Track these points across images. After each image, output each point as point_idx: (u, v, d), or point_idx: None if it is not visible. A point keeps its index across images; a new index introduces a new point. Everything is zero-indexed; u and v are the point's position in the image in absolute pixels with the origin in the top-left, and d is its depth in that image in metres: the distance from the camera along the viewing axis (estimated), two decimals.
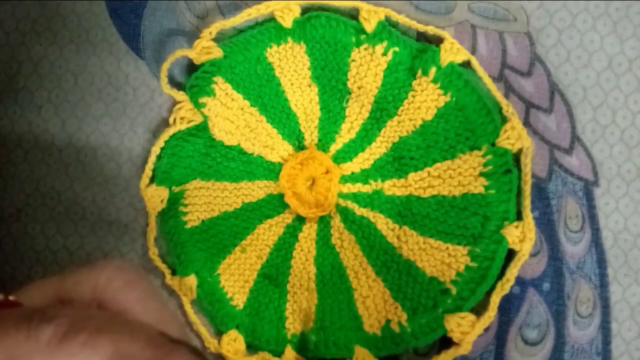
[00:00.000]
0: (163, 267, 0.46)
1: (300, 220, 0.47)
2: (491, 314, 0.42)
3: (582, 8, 0.44)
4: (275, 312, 0.45)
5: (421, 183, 0.44)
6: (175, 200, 0.46)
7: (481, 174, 0.43)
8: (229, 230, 0.46)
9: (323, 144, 0.47)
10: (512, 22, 0.44)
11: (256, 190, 0.47)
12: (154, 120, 0.47)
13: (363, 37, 0.44)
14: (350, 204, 0.46)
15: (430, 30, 0.44)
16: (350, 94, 0.46)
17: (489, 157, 0.43)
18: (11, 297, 0.24)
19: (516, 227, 0.42)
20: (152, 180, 0.46)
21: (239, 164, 0.47)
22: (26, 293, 0.25)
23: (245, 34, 0.46)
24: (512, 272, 0.42)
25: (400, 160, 0.45)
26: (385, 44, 0.44)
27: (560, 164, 0.44)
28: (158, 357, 0.22)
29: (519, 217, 0.43)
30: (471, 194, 0.43)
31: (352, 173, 0.46)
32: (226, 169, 0.47)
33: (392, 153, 0.45)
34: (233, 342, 0.45)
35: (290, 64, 0.46)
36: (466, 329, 0.42)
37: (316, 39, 0.45)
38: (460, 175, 0.43)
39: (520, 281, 0.43)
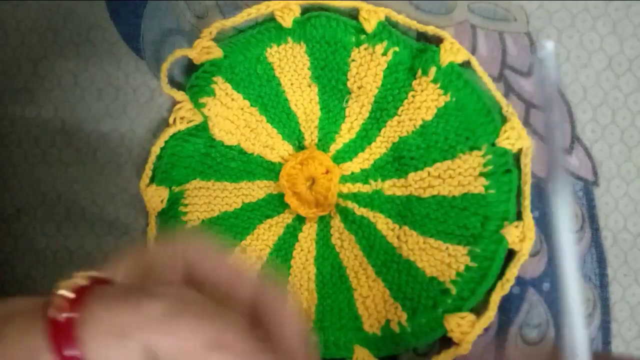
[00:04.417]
0: None
1: (300, 220, 0.47)
2: (491, 313, 0.42)
3: (581, 8, 0.44)
4: None
5: (421, 183, 0.44)
6: (175, 200, 0.46)
7: (481, 174, 0.43)
8: (228, 231, 0.46)
9: (323, 144, 0.47)
10: (512, 22, 0.44)
11: (256, 190, 0.47)
12: (154, 120, 0.47)
13: (363, 37, 0.44)
14: (350, 204, 0.46)
15: (430, 30, 0.44)
16: (350, 93, 0.46)
17: (489, 157, 0.43)
18: (96, 274, 0.24)
19: (516, 227, 0.42)
20: (152, 180, 0.46)
21: (239, 164, 0.47)
22: (107, 271, 0.25)
23: (245, 33, 0.46)
24: (512, 272, 0.42)
25: (400, 160, 0.45)
26: (385, 44, 0.44)
27: None
28: (250, 352, 0.22)
29: (519, 217, 0.43)
30: (471, 194, 0.43)
31: (352, 173, 0.46)
32: (226, 169, 0.47)
33: (392, 153, 0.45)
34: None
35: (290, 64, 0.46)
36: (466, 329, 0.42)
37: (316, 39, 0.45)
38: (460, 175, 0.43)
39: (520, 281, 0.43)
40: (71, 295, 0.22)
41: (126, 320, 0.22)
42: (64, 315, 0.22)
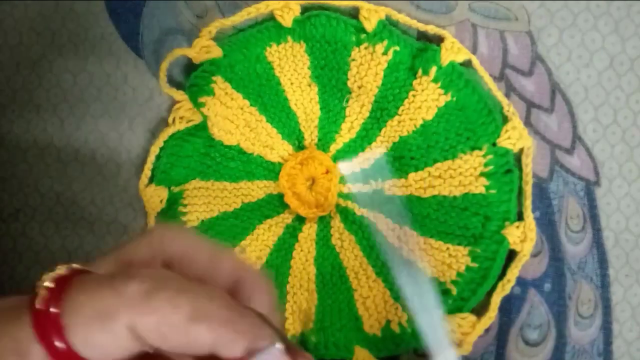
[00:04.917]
0: None
1: (300, 220, 0.46)
2: (492, 314, 0.42)
3: (583, 7, 0.44)
4: None
5: (421, 183, 0.44)
6: (174, 201, 0.46)
7: (482, 174, 0.43)
8: (228, 231, 0.46)
9: (323, 144, 0.46)
10: (513, 21, 0.44)
11: (256, 190, 0.47)
12: (153, 120, 0.47)
13: (363, 36, 0.44)
14: (351, 204, 0.46)
15: (431, 29, 0.44)
16: (350, 93, 0.45)
17: (490, 157, 0.43)
18: (77, 266, 0.25)
19: (517, 227, 0.42)
20: (151, 180, 0.46)
21: (239, 164, 0.47)
22: (90, 267, 0.26)
23: (244, 33, 0.46)
24: (513, 273, 0.42)
25: (400, 160, 0.45)
26: (385, 43, 0.44)
27: (562, 163, 0.44)
28: (231, 318, 0.23)
29: (520, 217, 0.43)
30: (472, 194, 0.43)
31: (352, 173, 0.46)
32: (226, 169, 0.46)
33: (393, 153, 0.45)
34: None
35: (290, 63, 0.46)
36: (467, 329, 0.42)
37: (316, 38, 0.45)
38: (460, 175, 0.43)
39: (521, 282, 0.43)
40: (53, 285, 0.23)
41: (107, 303, 0.22)
42: (48, 306, 0.23)
